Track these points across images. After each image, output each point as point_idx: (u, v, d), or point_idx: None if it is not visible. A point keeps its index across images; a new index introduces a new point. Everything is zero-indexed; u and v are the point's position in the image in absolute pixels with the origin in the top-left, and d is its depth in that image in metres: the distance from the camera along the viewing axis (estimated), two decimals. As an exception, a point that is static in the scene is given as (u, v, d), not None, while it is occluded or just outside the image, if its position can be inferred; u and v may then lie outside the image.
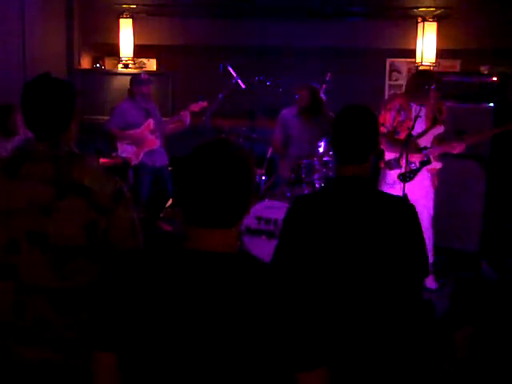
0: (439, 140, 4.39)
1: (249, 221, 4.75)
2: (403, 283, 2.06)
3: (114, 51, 6.96)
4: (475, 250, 5.26)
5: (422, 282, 2.10)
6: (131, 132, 5.41)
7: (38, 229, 1.80)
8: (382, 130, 4.21)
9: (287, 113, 5.31)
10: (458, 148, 4.35)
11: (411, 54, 6.69)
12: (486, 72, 6.24)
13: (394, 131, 4.31)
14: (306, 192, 4.92)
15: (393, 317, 2.03)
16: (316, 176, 4.96)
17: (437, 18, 6.55)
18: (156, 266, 1.38)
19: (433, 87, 4.24)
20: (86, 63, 7.16)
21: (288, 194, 4.99)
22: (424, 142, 4.35)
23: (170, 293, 1.33)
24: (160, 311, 1.32)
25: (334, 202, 2.04)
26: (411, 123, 4.19)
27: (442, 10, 6.56)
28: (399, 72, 6.91)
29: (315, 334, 1.35)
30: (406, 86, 4.59)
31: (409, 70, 6.86)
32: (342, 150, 2.06)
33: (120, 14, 6.85)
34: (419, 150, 4.31)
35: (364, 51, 6.68)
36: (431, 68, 6.54)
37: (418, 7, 6.64)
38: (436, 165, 4.38)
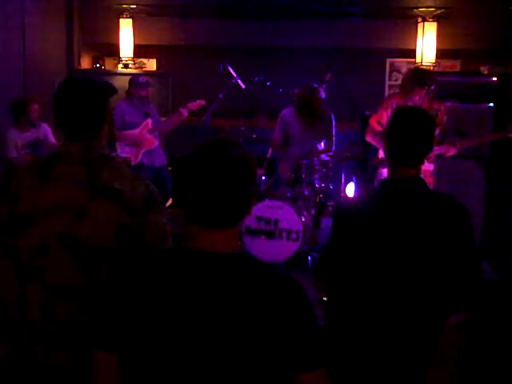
0: (435, 142, 4.39)
1: (249, 221, 4.74)
2: (454, 284, 2.04)
3: (114, 51, 6.96)
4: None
5: (473, 284, 2.08)
6: (129, 132, 5.42)
7: (68, 231, 1.77)
8: (379, 128, 4.22)
9: (287, 113, 5.31)
10: (451, 151, 4.37)
11: (411, 53, 6.69)
12: (486, 72, 6.23)
13: None
14: (306, 192, 4.94)
15: (433, 320, 2.02)
16: (316, 176, 4.96)
17: (437, 18, 6.56)
18: (157, 266, 1.38)
19: (427, 86, 4.22)
20: (86, 63, 7.15)
21: (288, 194, 4.99)
22: None
23: (171, 293, 1.33)
24: (161, 311, 1.32)
25: (390, 203, 2.04)
26: None
27: (442, 10, 6.56)
28: (399, 72, 6.90)
29: (316, 335, 1.35)
30: (401, 84, 4.57)
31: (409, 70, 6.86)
32: (399, 152, 2.07)
33: (120, 14, 6.85)
34: None
35: (364, 51, 6.67)
36: (431, 68, 6.54)
37: (418, 7, 6.64)
38: (428, 166, 4.37)
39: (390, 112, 4.28)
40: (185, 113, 5.40)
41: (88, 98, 1.84)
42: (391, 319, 1.99)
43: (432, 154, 4.38)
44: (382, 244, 2.01)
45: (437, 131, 4.37)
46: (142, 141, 5.44)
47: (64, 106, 1.84)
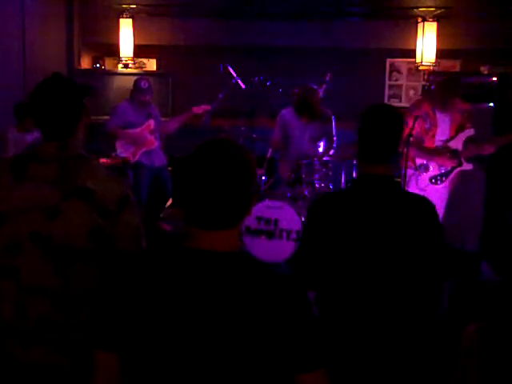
0: (470, 142, 4.38)
1: (249, 221, 4.74)
2: (424, 282, 2.06)
3: (114, 51, 6.95)
4: (475, 250, 5.25)
5: (441, 282, 2.10)
6: (130, 131, 5.43)
7: (41, 230, 1.78)
8: (411, 139, 4.13)
9: (287, 113, 5.31)
10: (488, 150, 4.35)
11: (411, 53, 6.69)
12: (485, 72, 6.23)
13: (420, 138, 4.29)
14: (306, 192, 4.94)
15: (410, 314, 2.04)
16: (316, 176, 4.97)
17: (437, 18, 6.55)
18: (157, 266, 1.38)
19: (459, 96, 4.24)
20: (86, 63, 7.15)
21: (288, 194, 4.99)
22: (455, 144, 4.37)
23: (171, 292, 1.33)
24: (161, 311, 1.32)
25: (359, 201, 2.05)
26: (436, 130, 4.24)
27: (442, 9, 6.56)
28: (399, 72, 6.90)
29: (316, 335, 1.35)
30: (433, 93, 4.49)
31: (409, 69, 6.87)
32: (367, 149, 2.07)
33: (120, 14, 6.85)
34: (452, 155, 4.32)
35: (364, 51, 6.68)
36: (431, 68, 6.54)
37: (418, 7, 6.64)
38: (467, 166, 4.39)
39: (419, 122, 4.20)
40: (173, 126, 5.50)
41: (62, 98, 1.85)
42: (371, 314, 2.00)
43: (470, 154, 4.37)
44: (351, 241, 2.01)
45: (472, 132, 4.37)
46: (141, 140, 5.45)
47: (39, 105, 1.86)
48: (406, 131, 4.13)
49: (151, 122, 5.45)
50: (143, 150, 5.49)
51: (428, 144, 4.34)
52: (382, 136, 2.04)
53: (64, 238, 1.78)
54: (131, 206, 1.87)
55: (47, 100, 1.85)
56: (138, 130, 5.44)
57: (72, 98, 1.88)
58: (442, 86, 4.41)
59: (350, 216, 2.03)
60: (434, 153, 4.33)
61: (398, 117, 2.08)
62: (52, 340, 1.80)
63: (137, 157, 5.47)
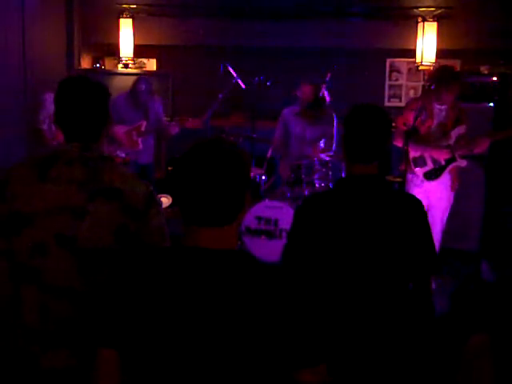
0: (462, 139, 4.37)
1: (249, 221, 4.75)
2: (412, 280, 2.07)
3: (114, 51, 6.96)
4: (475, 250, 5.26)
5: (429, 279, 2.11)
6: (116, 129, 5.15)
7: (67, 232, 1.77)
8: (405, 129, 4.12)
9: (288, 112, 5.32)
10: (482, 146, 4.33)
11: (411, 53, 6.69)
12: (486, 72, 6.23)
13: (415, 130, 4.27)
14: (306, 192, 4.94)
15: (400, 313, 2.04)
16: (316, 176, 4.97)
17: (437, 18, 6.55)
18: (157, 264, 1.39)
19: (454, 85, 4.22)
20: (86, 63, 7.15)
21: (288, 194, 5.00)
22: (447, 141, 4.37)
23: (170, 290, 1.34)
24: (160, 308, 1.33)
25: (345, 201, 2.04)
26: (432, 122, 4.22)
27: (442, 9, 6.56)
28: (399, 72, 6.90)
29: (315, 331, 1.35)
30: (428, 84, 4.47)
31: (409, 69, 6.87)
32: (353, 149, 2.05)
33: (120, 14, 6.85)
34: (445, 147, 4.31)
35: (364, 51, 6.68)
36: (431, 68, 6.54)
37: (418, 7, 6.64)
38: (461, 162, 4.38)
39: (414, 113, 4.16)
40: (175, 130, 5.29)
41: (94, 99, 1.85)
42: (360, 313, 2.00)
43: (464, 151, 4.35)
44: (339, 240, 2.01)
45: (464, 129, 4.35)
46: (124, 141, 5.21)
47: (69, 106, 1.85)
48: (403, 127, 4.14)
49: (143, 123, 5.28)
50: (123, 150, 5.19)
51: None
52: (367, 135, 2.03)
53: (90, 238, 1.77)
54: (157, 205, 1.87)
55: (78, 102, 1.84)
56: (125, 128, 5.20)
57: (102, 100, 1.88)
58: (435, 73, 4.40)
59: (337, 216, 2.03)
60: (428, 143, 4.31)
61: (383, 116, 2.07)
62: (72, 343, 1.79)
63: (115, 154, 5.23)
